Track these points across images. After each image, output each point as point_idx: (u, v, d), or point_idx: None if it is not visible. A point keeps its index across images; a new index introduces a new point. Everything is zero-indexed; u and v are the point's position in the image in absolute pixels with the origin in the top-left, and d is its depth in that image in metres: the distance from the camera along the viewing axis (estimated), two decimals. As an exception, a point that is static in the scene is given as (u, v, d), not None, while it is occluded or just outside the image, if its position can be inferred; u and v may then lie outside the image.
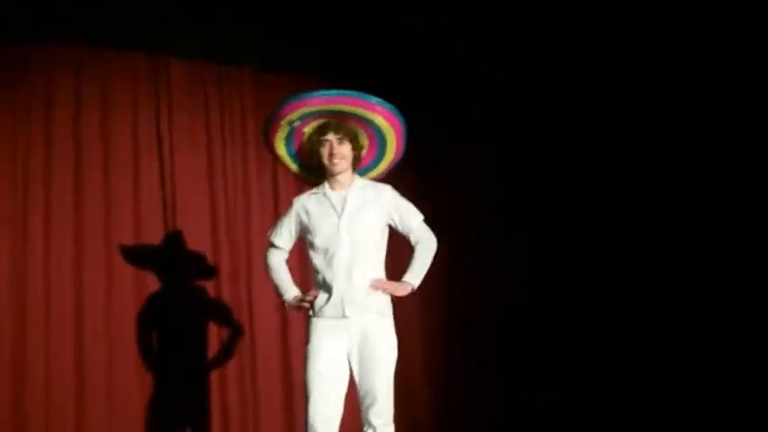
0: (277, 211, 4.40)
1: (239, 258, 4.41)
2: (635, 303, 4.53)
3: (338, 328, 2.97)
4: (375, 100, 3.05)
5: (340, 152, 3.05)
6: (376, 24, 4.70)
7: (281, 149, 3.17)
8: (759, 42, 3.97)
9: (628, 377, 4.51)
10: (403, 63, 4.91)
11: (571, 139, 4.90)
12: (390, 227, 3.16)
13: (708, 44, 4.21)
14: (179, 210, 4.27)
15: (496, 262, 5.09)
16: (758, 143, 4.01)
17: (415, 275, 3.09)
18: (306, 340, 3.02)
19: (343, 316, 2.97)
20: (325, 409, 2.90)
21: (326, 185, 3.12)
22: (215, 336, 4.29)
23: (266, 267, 3.23)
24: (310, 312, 3.04)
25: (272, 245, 3.20)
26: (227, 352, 4.27)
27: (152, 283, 4.14)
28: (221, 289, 4.35)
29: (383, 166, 3.27)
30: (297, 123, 3.05)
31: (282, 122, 3.04)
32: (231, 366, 4.30)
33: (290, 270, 3.22)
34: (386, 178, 3.33)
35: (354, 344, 2.97)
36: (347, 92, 3.04)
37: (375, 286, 3.00)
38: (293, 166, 3.25)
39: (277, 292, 3.20)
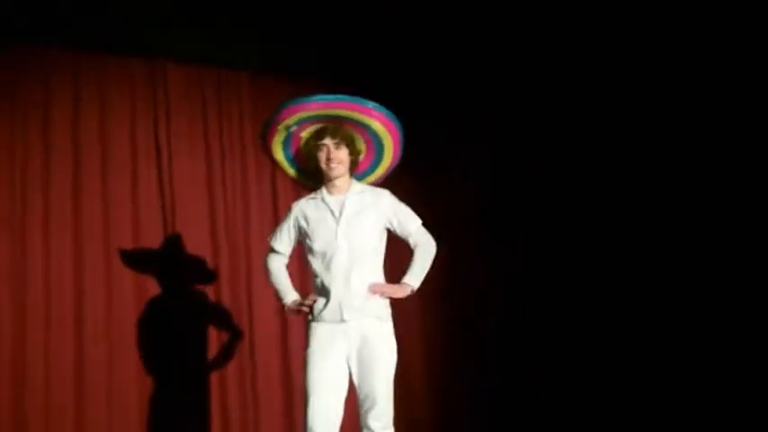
0: (276, 216, 4.41)
1: (239, 263, 4.42)
2: (635, 304, 4.53)
3: (337, 332, 2.98)
4: (372, 105, 3.05)
5: (337, 157, 3.05)
6: (376, 25, 4.68)
7: (279, 154, 3.18)
8: (759, 42, 3.96)
9: (628, 378, 4.51)
10: (403, 63, 4.91)
11: (571, 139, 4.89)
12: (389, 231, 3.16)
13: (708, 44, 4.20)
14: (178, 214, 4.28)
15: (496, 262, 5.09)
16: (758, 143, 4.00)
17: (414, 277, 3.10)
18: (305, 344, 3.04)
19: (342, 320, 2.98)
20: (325, 413, 2.90)
21: (324, 190, 3.12)
22: (215, 339, 4.29)
23: (266, 272, 3.24)
24: (309, 317, 3.06)
25: (272, 250, 3.22)
26: (227, 355, 4.28)
27: (152, 288, 4.15)
28: (221, 293, 4.36)
29: (380, 171, 3.28)
30: (294, 128, 3.06)
31: (280, 127, 3.05)
32: (231, 369, 4.31)
33: (291, 275, 3.23)
34: (386, 179, 3.33)
35: (353, 347, 2.98)
36: (344, 96, 3.05)
37: (373, 290, 3.01)
38: (291, 171, 3.26)
39: (277, 297, 3.21)
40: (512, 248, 5.11)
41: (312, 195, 3.16)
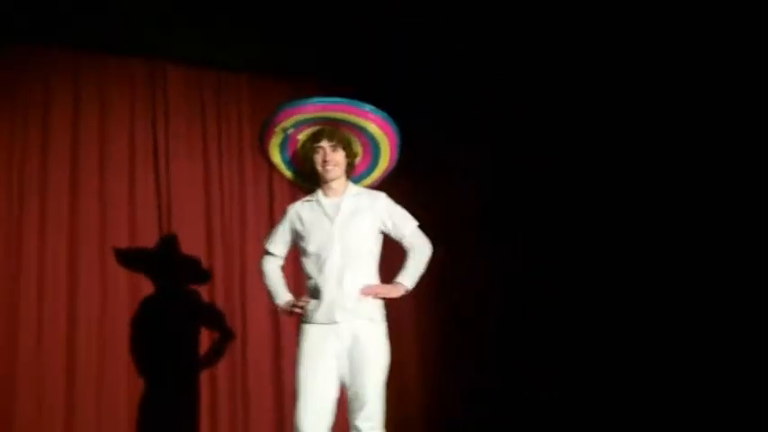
0: (272, 218, 4.41)
1: (233, 264, 4.43)
2: (634, 304, 4.52)
3: (329, 333, 2.98)
4: (368, 108, 3.05)
5: (333, 159, 3.06)
6: (375, 25, 4.68)
7: (276, 156, 3.19)
8: (759, 42, 3.95)
9: (627, 379, 4.51)
10: (403, 63, 4.91)
11: (571, 139, 4.88)
12: (384, 234, 3.16)
13: (708, 44, 4.19)
14: (174, 215, 4.28)
15: (495, 262, 5.08)
16: (758, 143, 4.00)
17: (408, 277, 3.09)
18: (297, 345, 3.04)
19: (334, 322, 2.99)
20: (314, 413, 2.91)
21: (320, 193, 3.13)
22: (207, 339, 4.30)
23: (260, 274, 3.25)
24: (302, 318, 3.07)
25: (267, 252, 3.23)
26: (218, 354, 4.29)
27: (146, 287, 4.15)
28: (215, 294, 4.37)
29: (377, 173, 3.28)
30: (291, 131, 3.06)
31: (277, 129, 3.06)
32: (222, 369, 4.32)
33: (286, 278, 3.24)
34: (385, 179, 3.34)
35: (344, 348, 2.98)
36: (341, 99, 3.06)
37: (366, 292, 3.00)
38: (287, 173, 3.26)
39: (270, 298, 3.23)
40: (511, 248, 5.10)
41: (308, 198, 3.17)
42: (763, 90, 3.96)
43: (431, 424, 4.84)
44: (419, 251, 3.13)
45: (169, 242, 4.24)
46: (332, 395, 2.97)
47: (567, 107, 4.89)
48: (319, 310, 3.00)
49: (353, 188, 3.15)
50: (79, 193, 4.05)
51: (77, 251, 4.01)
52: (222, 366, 4.32)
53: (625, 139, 4.60)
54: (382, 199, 3.14)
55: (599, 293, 4.67)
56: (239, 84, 4.60)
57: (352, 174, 3.19)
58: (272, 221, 4.36)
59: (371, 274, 3.09)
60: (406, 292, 3.10)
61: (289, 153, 3.17)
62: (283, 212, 3.23)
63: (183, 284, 4.28)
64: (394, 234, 3.14)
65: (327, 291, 2.99)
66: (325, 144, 3.05)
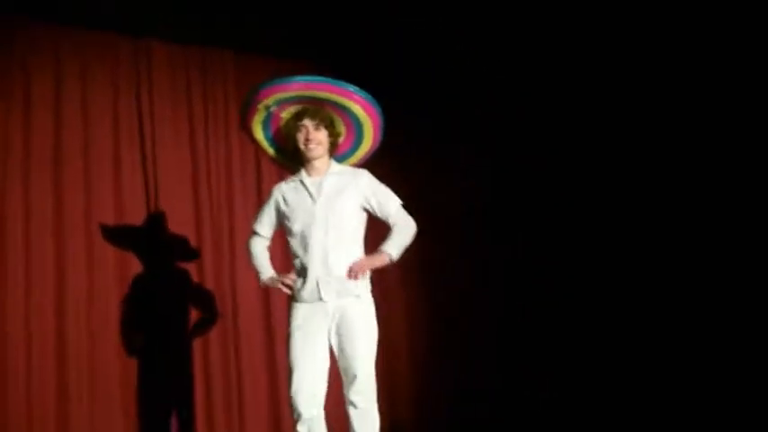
0: (260, 198, 4.39)
1: (222, 244, 4.42)
2: (630, 304, 4.51)
3: (317, 310, 3.02)
4: (352, 88, 3.07)
5: (316, 138, 3.07)
6: (376, 25, 4.73)
7: (258, 133, 3.21)
8: (759, 42, 3.93)
9: (626, 379, 4.47)
10: (403, 63, 4.94)
11: (571, 139, 4.89)
12: (368, 212, 3.16)
13: (708, 44, 4.18)
14: (161, 197, 4.27)
15: (495, 262, 5.09)
16: (758, 143, 3.97)
17: (393, 246, 3.07)
18: (288, 323, 3.09)
19: (320, 300, 3.02)
20: (308, 388, 2.96)
21: (303, 172, 3.15)
22: (198, 320, 4.30)
23: (248, 254, 3.29)
24: (291, 297, 3.10)
25: (254, 232, 3.28)
26: (207, 330, 4.28)
27: (135, 269, 4.15)
28: (204, 275, 4.36)
29: (360, 153, 3.29)
30: (273, 108, 3.09)
31: (260, 106, 3.08)
32: (214, 348, 4.32)
33: (274, 258, 3.27)
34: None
35: (333, 324, 3.02)
36: (324, 78, 3.08)
37: (353, 274, 3.00)
38: (270, 151, 3.28)
39: (256, 275, 3.26)
40: (510, 248, 5.10)
41: (292, 178, 3.19)
42: (764, 90, 3.95)
43: (423, 424, 4.79)
44: (404, 225, 3.13)
45: (157, 224, 4.23)
46: (324, 368, 3.03)
47: (566, 107, 4.90)
48: (306, 289, 3.04)
49: (336, 167, 3.16)
50: (63, 176, 4.03)
51: (63, 235, 3.99)
52: (214, 345, 4.31)
53: (624, 139, 4.60)
54: (365, 176, 3.15)
55: (598, 293, 4.66)
56: (224, 63, 4.58)
57: (336, 153, 3.20)
58: (259, 201, 4.31)
59: (357, 252, 3.09)
60: (391, 261, 3.07)
61: (271, 130, 3.19)
62: (269, 193, 3.26)
63: (171, 265, 4.27)
64: (378, 212, 3.14)
65: (313, 269, 3.02)
66: (308, 122, 3.06)
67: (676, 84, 4.34)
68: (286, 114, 3.12)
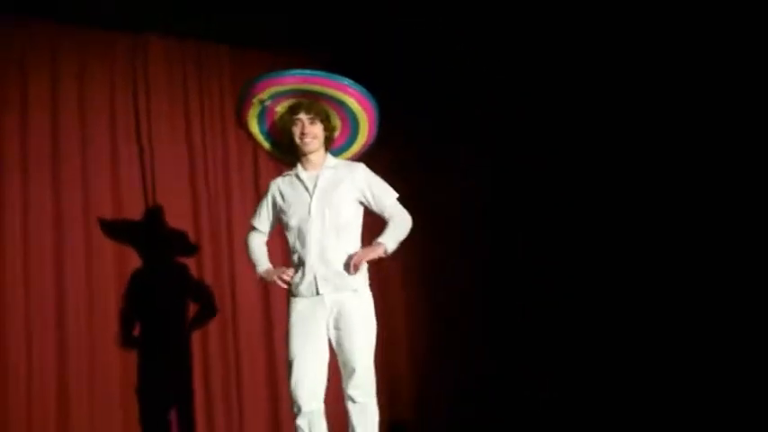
0: (257, 193, 4.39)
1: (221, 239, 4.42)
2: (633, 304, 4.50)
3: (315, 305, 3.03)
4: (347, 81, 3.06)
5: (311, 132, 3.07)
6: (376, 25, 4.75)
7: (254, 127, 3.20)
8: (759, 42, 3.93)
9: (626, 379, 4.46)
10: (403, 63, 4.95)
11: (571, 139, 4.88)
12: (364, 206, 3.15)
13: (708, 44, 4.18)
14: (159, 191, 4.27)
15: (495, 262, 5.08)
16: (758, 143, 3.96)
17: (389, 238, 3.03)
18: (287, 318, 3.09)
19: (318, 294, 3.02)
20: (308, 382, 2.97)
21: (299, 167, 3.15)
22: (197, 314, 4.29)
23: (246, 248, 3.30)
24: (290, 291, 3.10)
25: (252, 228, 3.28)
26: (206, 323, 4.28)
27: (133, 264, 4.15)
28: (203, 269, 4.35)
29: (356, 147, 3.29)
30: (268, 102, 3.09)
31: (254, 100, 3.08)
32: (214, 343, 4.31)
33: (275, 256, 3.27)
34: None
35: (331, 318, 3.02)
36: (319, 72, 3.07)
37: (353, 269, 2.97)
38: (266, 145, 3.28)
39: (253, 269, 3.26)
40: (511, 248, 5.09)
41: (288, 172, 3.19)
42: (764, 90, 3.94)
43: (423, 424, 4.78)
44: (400, 220, 3.10)
45: (155, 219, 4.23)
46: (324, 362, 3.04)
47: (566, 107, 4.90)
48: (304, 284, 3.04)
49: (332, 160, 3.16)
50: (61, 171, 4.03)
51: (62, 230, 3.99)
52: (213, 339, 4.30)
53: (624, 139, 4.59)
54: (361, 169, 3.14)
55: (598, 293, 4.66)
56: (220, 57, 4.58)
57: (331, 147, 3.20)
58: (257, 196, 4.34)
59: (354, 246, 3.08)
60: (386, 253, 3.03)
61: (267, 124, 3.19)
62: (267, 189, 3.27)
63: (170, 260, 4.27)
64: (374, 206, 3.13)
65: (310, 264, 3.02)
66: (303, 116, 3.06)
67: (676, 84, 4.34)
68: (281, 108, 3.12)
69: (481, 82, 5.10)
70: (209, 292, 4.32)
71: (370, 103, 3.13)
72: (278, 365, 4.32)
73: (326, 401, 3.04)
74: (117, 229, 4.11)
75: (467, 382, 4.82)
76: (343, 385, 3.03)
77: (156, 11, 4.19)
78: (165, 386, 4.12)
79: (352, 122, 3.18)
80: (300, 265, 3.05)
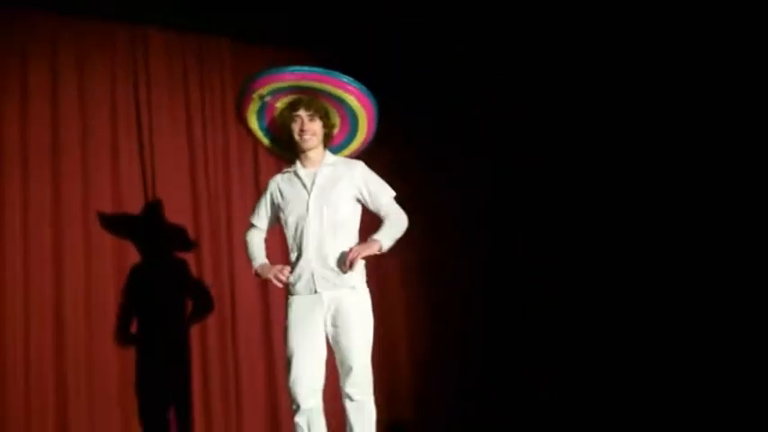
0: (258, 188, 4.38)
1: (220, 234, 4.40)
2: (633, 304, 4.49)
3: (313, 303, 3.03)
4: (347, 79, 3.06)
5: (311, 128, 3.07)
6: (376, 25, 4.75)
7: (253, 123, 3.20)
8: (759, 42, 3.93)
9: (626, 379, 4.45)
10: (403, 63, 4.95)
11: (571, 139, 4.88)
12: (362, 204, 3.15)
13: (707, 44, 4.18)
14: (159, 185, 4.26)
15: (495, 262, 5.07)
16: (758, 143, 3.96)
17: (384, 235, 3.01)
18: (285, 316, 3.09)
19: (316, 292, 3.02)
20: (307, 379, 2.97)
21: (298, 164, 3.15)
22: (196, 311, 4.29)
23: (244, 244, 3.29)
24: (288, 290, 3.10)
25: (251, 225, 3.28)
26: (204, 319, 4.27)
27: (132, 259, 4.14)
28: (202, 264, 4.34)
29: (355, 145, 3.29)
30: (268, 98, 3.08)
31: (254, 96, 3.08)
32: (212, 340, 4.30)
33: (276, 256, 3.28)
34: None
35: (329, 316, 3.02)
36: (319, 69, 3.07)
37: (348, 266, 2.94)
38: (265, 141, 3.28)
39: (250, 264, 3.26)
40: (511, 248, 5.09)
41: (287, 169, 3.20)
42: (764, 90, 3.94)
43: (423, 424, 4.76)
44: (396, 219, 3.09)
45: (155, 212, 4.22)
46: (322, 359, 3.04)
47: (566, 107, 4.90)
48: (301, 282, 3.04)
49: (330, 158, 3.16)
50: (60, 165, 4.01)
51: (61, 224, 3.98)
52: (212, 335, 4.29)
53: (624, 139, 4.60)
54: (359, 167, 3.14)
55: (598, 293, 4.66)
56: (221, 51, 4.56)
57: (330, 144, 3.19)
58: (257, 189, 4.35)
59: (351, 244, 3.07)
60: (380, 250, 3.01)
61: (266, 120, 3.19)
62: (266, 186, 3.27)
63: (169, 255, 4.26)
64: (371, 203, 3.12)
65: (308, 261, 3.02)
66: (302, 113, 3.06)
67: (676, 84, 4.34)
68: (280, 104, 3.12)
69: (481, 82, 5.10)
70: (208, 288, 4.32)
71: (370, 101, 3.13)
72: (276, 361, 4.31)
73: (324, 399, 3.04)
74: (116, 222, 4.09)
75: (466, 381, 4.81)
76: (341, 383, 3.03)
77: (156, 3, 4.20)
78: (162, 381, 4.10)
79: (351, 120, 3.18)
80: (298, 262, 3.05)
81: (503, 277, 5.05)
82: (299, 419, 2.99)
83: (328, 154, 3.17)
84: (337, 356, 3.03)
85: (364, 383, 3.01)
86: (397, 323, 4.84)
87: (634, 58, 4.52)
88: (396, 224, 3.07)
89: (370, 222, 3.18)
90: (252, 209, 3.35)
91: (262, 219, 3.24)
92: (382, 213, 3.11)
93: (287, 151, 3.21)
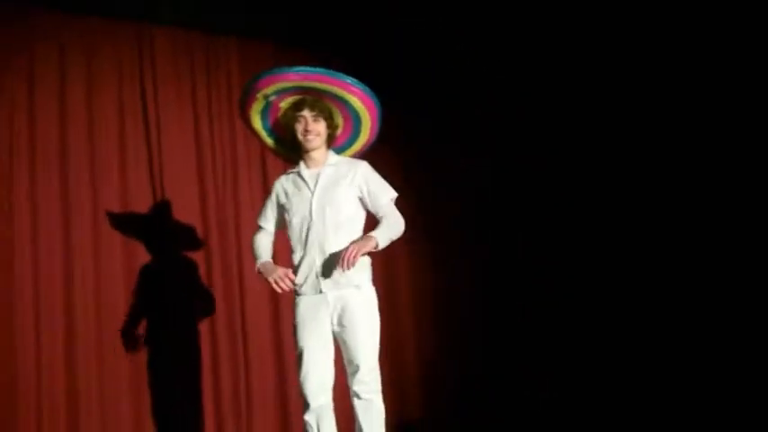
0: (266, 186, 4.37)
1: (229, 232, 4.39)
2: (633, 304, 4.51)
3: (319, 302, 3.04)
4: (351, 80, 3.06)
5: (315, 129, 3.07)
6: (376, 25, 4.75)
7: (257, 123, 3.20)
8: (759, 42, 3.94)
9: (626, 379, 4.46)
10: (403, 62, 4.95)
11: (571, 139, 4.90)
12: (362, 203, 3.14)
13: (707, 44, 4.19)
14: (166, 183, 4.25)
15: (495, 262, 5.08)
16: (758, 143, 3.97)
17: (380, 233, 2.99)
18: (293, 316, 3.11)
19: (321, 292, 3.03)
20: (316, 376, 2.99)
21: (302, 164, 3.15)
22: (205, 309, 4.28)
23: (251, 246, 3.28)
24: (294, 290, 3.10)
25: (259, 227, 3.29)
26: (214, 312, 4.27)
27: (141, 257, 4.13)
28: (212, 263, 4.33)
29: (358, 145, 3.29)
30: (272, 98, 3.08)
31: (258, 95, 3.07)
32: (222, 338, 4.29)
33: (281, 258, 3.25)
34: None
35: (335, 315, 3.03)
36: (324, 70, 3.07)
37: (346, 264, 2.86)
38: (269, 141, 3.28)
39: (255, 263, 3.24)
40: (511, 248, 5.09)
41: (291, 170, 3.20)
42: (764, 90, 3.95)
43: (431, 425, 4.76)
44: (393, 220, 3.08)
45: (163, 211, 4.21)
46: (330, 358, 3.05)
47: (566, 107, 4.91)
48: (307, 282, 3.05)
49: (334, 158, 3.16)
50: (69, 165, 4.00)
51: (70, 224, 3.96)
52: (221, 334, 4.28)
53: (624, 139, 4.61)
54: (362, 167, 3.13)
55: (599, 293, 4.67)
56: (228, 49, 4.55)
57: (334, 144, 3.20)
58: (264, 186, 4.35)
59: None
60: (376, 248, 2.97)
61: (270, 120, 3.19)
62: (271, 187, 3.27)
63: (178, 254, 4.26)
64: (369, 203, 3.11)
65: (312, 262, 3.03)
66: (306, 113, 3.06)
67: (676, 84, 4.35)
68: (284, 104, 3.12)
69: (481, 82, 5.11)
70: (217, 287, 4.32)
71: (373, 102, 3.13)
72: (286, 360, 4.32)
73: (333, 398, 3.05)
74: (125, 223, 4.09)
75: (466, 381, 4.81)
76: (349, 382, 3.04)
77: (163, 1, 4.20)
78: (173, 380, 4.09)
79: (354, 121, 3.18)
80: (302, 262, 3.06)
81: (503, 277, 5.05)
82: (309, 417, 3.00)
83: (332, 154, 3.17)
84: (345, 355, 3.05)
85: (372, 382, 3.02)
86: (404, 323, 4.84)
87: (634, 58, 4.53)
88: (393, 226, 3.06)
89: (374, 222, 3.15)
90: (259, 207, 3.35)
91: (269, 220, 3.25)
92: (380, 214, 3.10)
93: (290, 151, 3.21)
